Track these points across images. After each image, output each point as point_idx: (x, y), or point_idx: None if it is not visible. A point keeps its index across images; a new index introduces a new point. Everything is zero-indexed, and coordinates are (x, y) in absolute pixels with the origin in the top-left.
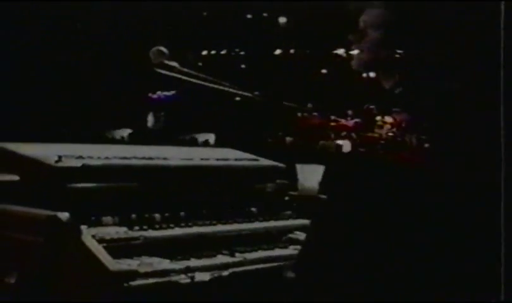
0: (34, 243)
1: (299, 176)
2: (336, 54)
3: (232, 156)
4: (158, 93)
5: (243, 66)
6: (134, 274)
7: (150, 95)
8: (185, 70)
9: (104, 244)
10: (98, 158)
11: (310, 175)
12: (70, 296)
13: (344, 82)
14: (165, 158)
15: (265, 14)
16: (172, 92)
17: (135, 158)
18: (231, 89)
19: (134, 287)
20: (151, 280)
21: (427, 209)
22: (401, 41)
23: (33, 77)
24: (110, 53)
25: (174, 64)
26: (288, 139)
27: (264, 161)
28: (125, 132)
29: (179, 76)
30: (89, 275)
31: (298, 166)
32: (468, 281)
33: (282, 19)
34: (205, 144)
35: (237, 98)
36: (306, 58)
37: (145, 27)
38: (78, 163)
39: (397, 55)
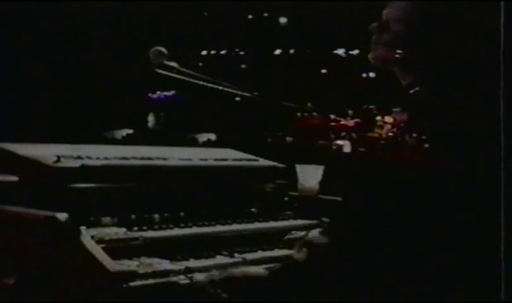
0: (33, 244)
1: (299, 176)
2: (336, 54)
3: (231, 157)
4: (158, 93)
5: (243, 66)
6: (133, 275)
7: (150, 94)
8: (185, 70)
9: (103, 245)
10: (98, 158)
11: (310, 175)
12: (69, 297)
13: (344, 82)
14: (164, 159)
15: (265, 14)
16: (172, 92)
17: (134, 158)
18: (231, 89)
19: (133, 288)
20: (150, 281)
21: (427, 209)
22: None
23: (33, 77)
24: (110, 54)
25: (174, 64)
26: (288, 139)
27: (264, 162)
28: (125, 132)
29: (179, 76)
30: (88, 276)
31: (298, 167)
32: (468, 280)
33: (282, 19)
34: (206, 144)
35: (237, 98)
36: (306, 58)
37: (145, 27)
38: (77, 164)
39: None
